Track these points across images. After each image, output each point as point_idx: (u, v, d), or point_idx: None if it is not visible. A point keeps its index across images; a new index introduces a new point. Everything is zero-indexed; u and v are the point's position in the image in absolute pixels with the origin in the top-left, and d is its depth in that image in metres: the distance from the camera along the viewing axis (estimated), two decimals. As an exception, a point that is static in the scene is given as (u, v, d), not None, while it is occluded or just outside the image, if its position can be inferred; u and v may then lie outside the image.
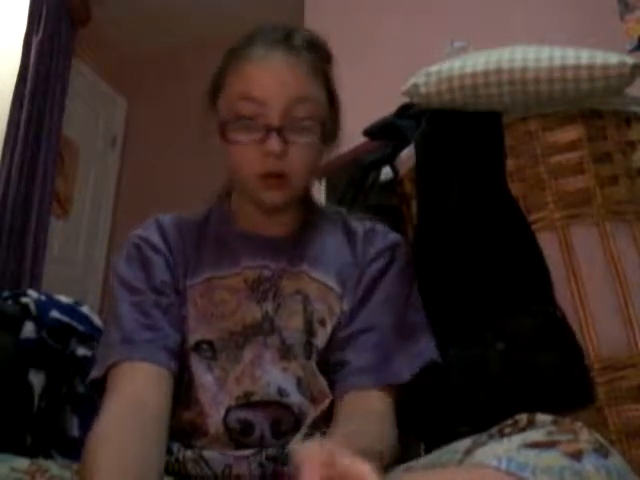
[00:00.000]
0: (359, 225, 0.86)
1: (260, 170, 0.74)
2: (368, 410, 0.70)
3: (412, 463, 0.62)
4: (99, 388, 0.72)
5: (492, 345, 0.82)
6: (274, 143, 0.71)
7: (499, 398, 0.79)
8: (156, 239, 0.82)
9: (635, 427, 0.78)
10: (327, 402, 0.73)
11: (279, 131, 0.72)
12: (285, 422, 0.72)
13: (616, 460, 0.45)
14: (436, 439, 0.62)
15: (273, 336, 0.75)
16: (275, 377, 0.73)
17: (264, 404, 0.72)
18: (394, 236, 0.86)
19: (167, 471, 0.69)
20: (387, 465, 0.62)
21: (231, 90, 0.76)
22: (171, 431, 0.69)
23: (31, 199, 2.80)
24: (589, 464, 0.43)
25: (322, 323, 0.76)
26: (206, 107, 0.80)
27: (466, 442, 0.56)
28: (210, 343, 0.75)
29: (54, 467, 0.64)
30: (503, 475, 0.43)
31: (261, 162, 0.73)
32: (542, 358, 0.79)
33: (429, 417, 0.84)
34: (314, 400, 0.73)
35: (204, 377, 0.74)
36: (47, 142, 2.93)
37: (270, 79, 0.73)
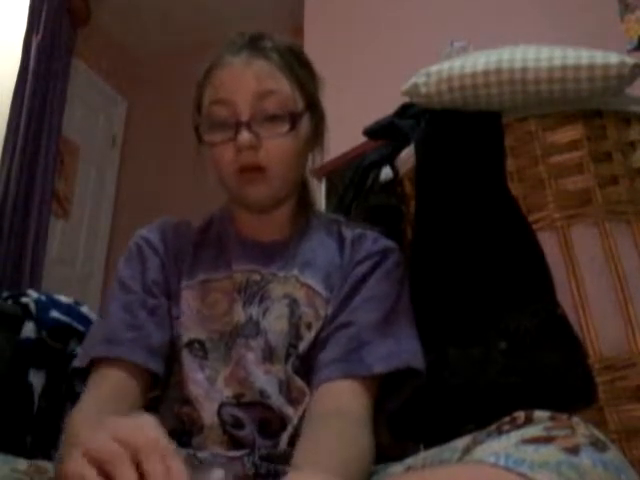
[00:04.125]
0: (350, 231, 0.86)
1: (236, 165, 0.77)
2: (340, 410, 0.68)
3: (411, 460, 0.62)
4: (81, 376, 0.77)
5: (494, 344, 0.82)
6: (244, 135, 0.75)
7: (501, 398, 0.79)
8: (156, 240, 0.85)
9: (635, 427, 0.78)
10: (307, 400, 0.73)
11: (248, 125, 0.75)
12: (273, 423, 0.73)
13: (613, 454, 0.45)
14: (437, 440, 0.62)
15: (257, 338, 0.76)
16: (258, 378, 0.74)
17: (252, 405, 0.73)
18: (385, 242, 0.85)
19: None
20: (359, 470, 0.61)
21: (205, 99, 0.80)
22: (169, 429, 0.69)
23: (31, 199, 2.80)
24: (586, 458, 0.44)
25: (309, 327, 0.77)
26: (194, 120, 0.82)
27: (465, 440, 0.56)
28: (201, 343, 0.78)
29: (53, 467, 0.64)
30: (501, 471, 0.43)
31: (236, 158, 0.76)
32: (545, 357, 0.79)
33: (430, 418, 0.84)
34: (295, 401, 0.74)
35: (196, 375, 0.76)
36: (47, 142, 2.93)
37: (235, 79, 0.77)
